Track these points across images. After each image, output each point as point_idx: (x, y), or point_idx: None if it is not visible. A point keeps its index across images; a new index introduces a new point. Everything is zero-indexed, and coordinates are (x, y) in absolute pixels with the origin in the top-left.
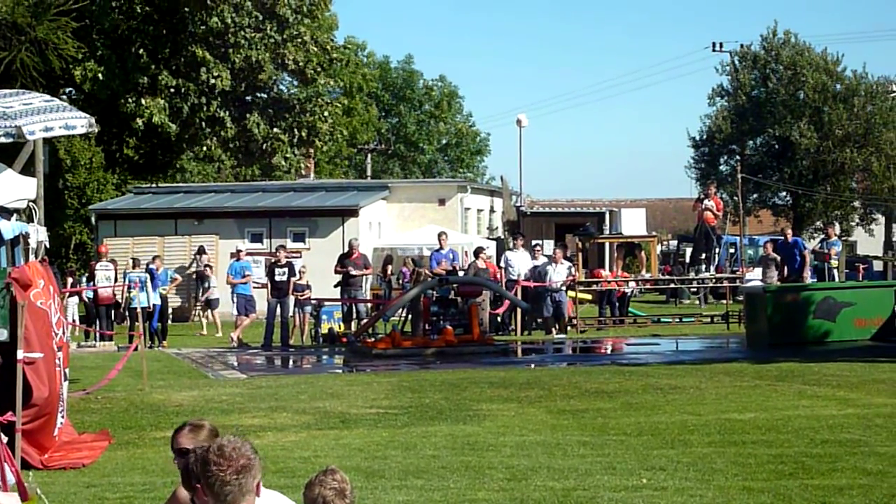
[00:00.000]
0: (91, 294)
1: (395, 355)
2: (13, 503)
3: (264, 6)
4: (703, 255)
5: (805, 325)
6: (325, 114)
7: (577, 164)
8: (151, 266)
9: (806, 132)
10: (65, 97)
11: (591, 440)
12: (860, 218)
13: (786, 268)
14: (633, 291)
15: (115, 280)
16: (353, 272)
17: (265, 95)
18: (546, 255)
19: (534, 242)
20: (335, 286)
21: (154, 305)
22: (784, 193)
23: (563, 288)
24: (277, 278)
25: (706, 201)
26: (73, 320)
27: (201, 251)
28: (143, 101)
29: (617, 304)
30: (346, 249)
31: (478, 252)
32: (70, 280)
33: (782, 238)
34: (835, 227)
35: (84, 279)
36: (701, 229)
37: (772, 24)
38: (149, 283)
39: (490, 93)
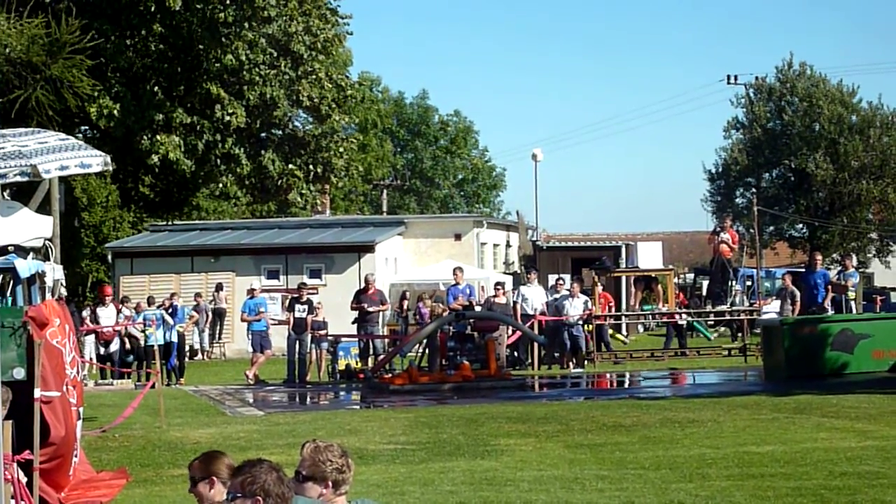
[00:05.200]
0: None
1: (412, 391)
2: None
3: (279, 43)
4: (721, 288)
5: (822, 357)
6: (341, 150)
7: (592, 198)
8: (175, 303)
9: (822, 164)
10: (80, 135)
11: (610, 474)
12: (877, 250)
13: (803, 299)
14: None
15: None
16: (369, 309)
17: (280, 132)
18: (567, 289)
19: (555, 277)
20: (352, 322)
21: (171, 343)
22: (800, 225)
23: (580, 322)
24: (297, 315)
25: (722, 234)
26: (91, 358)
27: (219, 288)
28: (158, 139)
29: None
30: (363, 285)
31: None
32: (87, 317)
33: (807, 267)
34: (852, 258)
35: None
36: (717, 262)
37: (787, 56)
38: (168, 320)
39: (505, 128)
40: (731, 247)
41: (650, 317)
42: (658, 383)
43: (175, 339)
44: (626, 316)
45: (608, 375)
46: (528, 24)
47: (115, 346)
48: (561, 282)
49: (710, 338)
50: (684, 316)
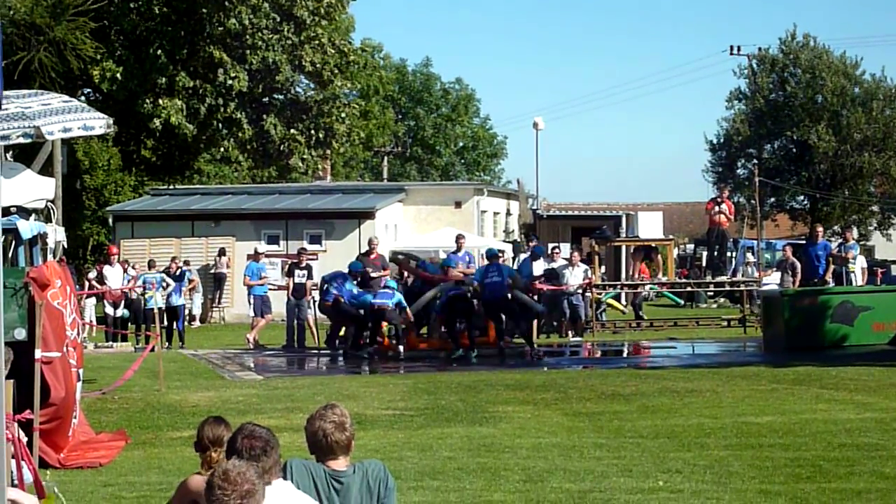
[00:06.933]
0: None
1: (411, 357)
2: (31, 502)
3: (281, 8)
4: (720, 259)
5: (822, 328)
6: (343, 115)
7: (593, 168)
8: (185, 268)
9: (824, 136)
10: (83, 98)
11: (608, 443)
12: (878, 222)
13: (803, 271)
14: (648, 294)
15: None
16: (373, 274)
17: (282, 97)
18: (564, 258)
19: (551, 245)
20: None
21: (179, 307)
22: (801, 197)
23: (580, 291)
24: (297, 280)
25: (721, 205)
26: (91, 321)
27: (222, 253)
28: (160, 102)
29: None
30: (366, 248)
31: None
32: (87, 282)
33: (808, 239)
34: (852, 230)
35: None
36: (716, 233)
37: (790, 28)
38: (170, 283)
39: (507, 96)
40: (729, 217)
41: (646, 286)
42: (658, 353)
43: (183, 302)
44: (624, 286)
45: (597, 344)
46: None
47: (120, 311)
48: (557, 250)
49: (679, 303)
50: (647, 287)
